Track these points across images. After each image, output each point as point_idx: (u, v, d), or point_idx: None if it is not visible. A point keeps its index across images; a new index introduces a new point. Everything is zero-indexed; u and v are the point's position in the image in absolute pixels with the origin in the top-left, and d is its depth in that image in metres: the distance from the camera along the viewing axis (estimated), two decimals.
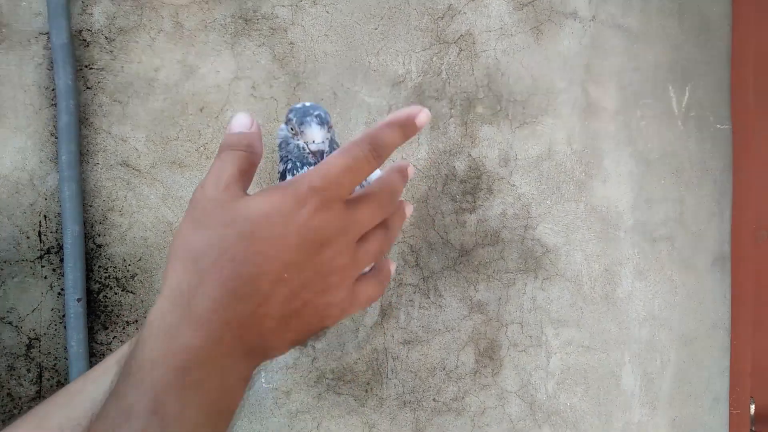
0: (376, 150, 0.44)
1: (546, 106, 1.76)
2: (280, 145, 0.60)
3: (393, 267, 0.51)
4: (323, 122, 0.56)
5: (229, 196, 0.43)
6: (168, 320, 0.39)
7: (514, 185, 1.74)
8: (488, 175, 1.71)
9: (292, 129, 0.57)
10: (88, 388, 0.51)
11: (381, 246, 0.47)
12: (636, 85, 1.88)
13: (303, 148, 0.57)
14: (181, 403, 0.37)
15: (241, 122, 0.48)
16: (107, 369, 0.51)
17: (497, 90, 1.71)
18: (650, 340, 1.91)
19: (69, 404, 0.50)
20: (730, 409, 1.98)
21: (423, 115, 0.49)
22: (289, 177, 0.57)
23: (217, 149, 1.54)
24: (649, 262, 1.91)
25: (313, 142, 0.56)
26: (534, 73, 1.74)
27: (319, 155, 0.56)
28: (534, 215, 1.76)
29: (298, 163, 0.57)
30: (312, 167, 0.50)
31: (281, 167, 0.59)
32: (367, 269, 0.50)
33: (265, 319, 0.41)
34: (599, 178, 1.84)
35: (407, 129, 0.47)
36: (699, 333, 1.99)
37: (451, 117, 1.67)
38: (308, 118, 0.57)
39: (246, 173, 0.46)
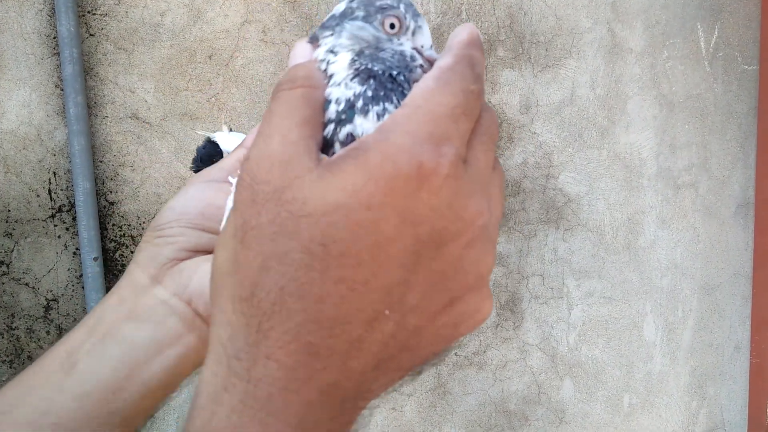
0: (481, 81, 0.29)
1: (570, 47, 1.68)
2: (360, 52, 0.34)
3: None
4: None
5: (290, 178, 0.27)
6: (226, 402, 0.26)
7: (535, 133, 1.68)
8: (509, 122, 1.65)
9: (392, 25, 0.35)
10: (30, 400, 0.38)
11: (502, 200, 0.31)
12: (663, 24, 1.79)
13: (411, 56, 0.36)
14: None
15: (298, 53, 0.32)
16: (48, 377, 0.39)
17: (519, 31, 1.62)
18: (672, 289, 1.88)
19: (9, 414, 0.38)
20: (750, 358, 1.97)
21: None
22: (387, 105, 0.33)
23: (229, 100, 1.48)
24: (673, 209, 1.87)
25: (431, 46, 0.37)
26: (558, 12, 1.65)
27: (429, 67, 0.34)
28: (556, 164, 1.71)
29: (402, 77, 0.35)
30: (393, 114, 0.28)
31: (350, 90, 0.33)
32: None
33: (360, 374, 0.28)
34: (622, 123, 1.78)
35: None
36: (721, 281, 1.96)
37: None
38: (419, 11, 0.37)
39: (311, 123, 0.29)
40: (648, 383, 1.87)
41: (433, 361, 0.31)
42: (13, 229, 1.21)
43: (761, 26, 1.92)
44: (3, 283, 1.21)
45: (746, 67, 1.95)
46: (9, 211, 1.21)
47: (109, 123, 1.28)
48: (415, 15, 0.36)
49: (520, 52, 1.63)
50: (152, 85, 1.31)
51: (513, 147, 1.66)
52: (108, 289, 1.27)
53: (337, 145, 0.32)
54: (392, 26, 0.36)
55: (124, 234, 1.28)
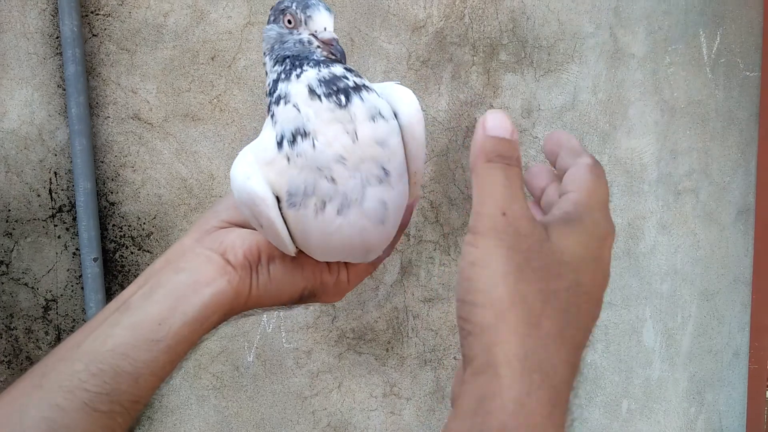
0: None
1: (572, 52, 1.68)
2: (272, 48, 0.48)
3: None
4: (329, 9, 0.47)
5: (540, 233, 0.36)
6: (532, 404, 0.33)
7: (536, 137, 1.68)
8: None
9: (289, 21, 0.47)
10: (86, 342, 0.47)
11: None
12: (666, 30, 1.79)
13: (308, 41, 0.47)
14: None
15: (501, 124, 0.39)
16: (105, 318, 0.48)
17: (522, 35, 1.62)
18: (672, 295, 1.88)
19: (68, 359, 0.46)
20: (749, 365, 1.97)
21: None
22: (286, 86, 0.46)
23: (231, 102, 1.48)
24: (673, 215, 1.87)
25: (325, 29, 0.47)
26: (561, 16, 1.65)
27: (335, 47, 0.46)
28: (557, 169, 1.70)
29: (302, 62, 0.46)
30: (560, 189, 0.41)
31: (274, 73, 0.47)
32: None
33: (581, 357, 0.38)
34: (624, 128, 1.78)
35: None
36: (720, 288, 1.96)
37: (473, 65, 1.59)
38: (313, 2, 0.47)
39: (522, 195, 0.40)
40: (647, 389, 1.86)
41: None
42: (13, 229, 1.21)
43: (763, 33, 1.92)
44: (2, 283, 1.21)
45: (748, 73, 1.95)
46: (9, 210, 1.21)
47: (110, 123, 1.28)
48: (305, 8, 0.47)
49: (523, 56, 1.63)
50: (154, 86, 1.30)
51: None
52: (108, 289, 1.27)
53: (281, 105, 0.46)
54: (289, 22, 0.47)
55: (125, 235, 1.28)
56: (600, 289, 0.38)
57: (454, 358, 1.64)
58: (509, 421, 0.32)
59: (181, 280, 0.49)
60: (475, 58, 1.59)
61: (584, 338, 0.37)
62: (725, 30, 1.88)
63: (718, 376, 1.96)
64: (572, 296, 0.36)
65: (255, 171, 0.47)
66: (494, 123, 0.38)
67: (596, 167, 0.41)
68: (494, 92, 1.62)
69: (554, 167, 0.45)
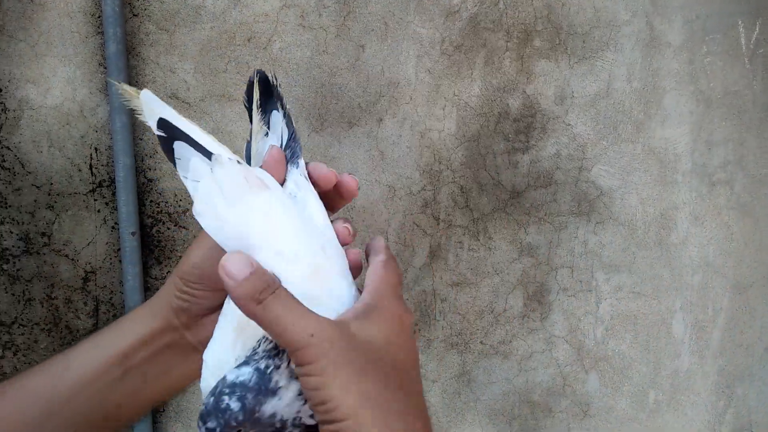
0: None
1: (607, 39, 1.66)
2: None
3: None
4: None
5: (347, 334, 0.41)
6: None
7: (569, 124, 1.67)
8: (543, 113, 1.64)
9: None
10: (132, 325, 0.50)
11: None
12: (704, 19, 1.77)
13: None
14: None
15: (240, 265, 0.41)
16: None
17: (557, 21, 1.61)
18: (703, 287, 1.86)
19: (121, 333, 0.50)
20: None
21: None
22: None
23: None
24: (706, 206, 1.84)
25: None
26: (597, 3, 1.64)
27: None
28: (589, 156, 1.70)
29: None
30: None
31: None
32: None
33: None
34: (658, 118, 1.76)
35: None
36: (754, 281, 1.93)
37: (506, 51, 1.59)
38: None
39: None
40: (675, 381, 1.85)
41: None
42: (55, 202, 1.24)
43: None
44: (44, 254, 1.25)
45: None
46: (51, 184, 1.24)
47: None
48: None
49: (557, 43, 1.62)
50: (192, 66, 1.33)
51: (546, 138, 1.65)
52: (144, 263, 1.30)
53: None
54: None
55: (162, 210, 1.31)
56: (413, 364, 0.43)
57: (481, 342, 1.65)
58: None
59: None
60: (508, 44, 1.59)
61: (423, 408, 0.42)
62: (764, 20, 1.84)
63: (749, 370, 1.94)
64: (397, 373, 0.41)
65: None
66: (234, 267, 0.40)
67: (389, 262, 0.46)
68: (527, 78, 1.62)
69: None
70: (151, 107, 0.44)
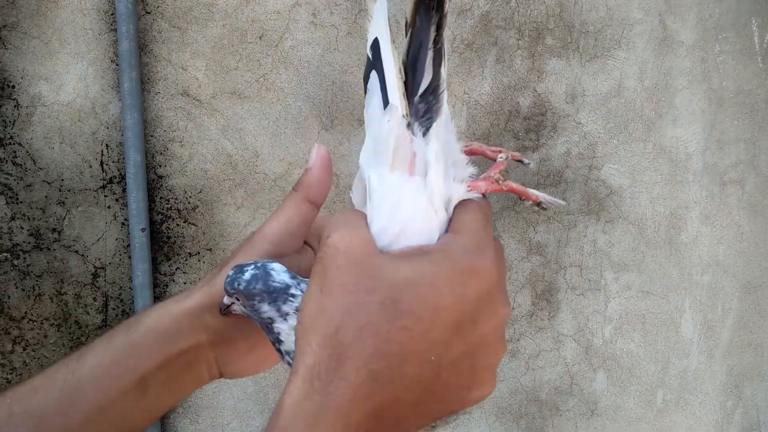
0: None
1: (619, 38, 1.65)
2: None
3: None
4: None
5: (367, 253, 0.36)
6: (306, 408, 0.35)
7: (580, 123, 1.66)
8: (553, 112, 1.64)
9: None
10: (153, 343, 0.47)
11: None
12: (717, 17, 1.75)
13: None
14: None
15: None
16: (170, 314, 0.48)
17: (569, 20, 1.61)
18: (713, 286, 1.86)
19: (137, 353, 0.46)
20: None
21: None
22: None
23: (276, 81, 1.50)
24: (717, 206, 1.83)
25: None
26: (609, 2, 1.63)
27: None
28: (599, 155, 1.69)
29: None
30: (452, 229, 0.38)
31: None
32: None
33: (405, 406, 0.37)
34: (669, 117, 1.75)
35: None
36: (764, 281, 1.92)
37: (518, 49, 1.58)
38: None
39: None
40: (683, 380, 1.85)
41: (447, 419, 0.39)
42: (66, 198, 1.25)
43: None
44: (54, 250, 1.26)
45: None
46: (62, 180, 1.25)
47: (160, 99, 1.31)
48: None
49: (569, 41, 1.62)
50: (203, 64, 1.33)
51: (557, 136, 1.64)
52: (154, 259, 1.31)
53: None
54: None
55: (171, 207, 1.31)
56: (434, 316, 0.35)
57: None
58: (283, 423, 0.35)
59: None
60: (520, 42, 1.58)
61: (389, 366, 0.35)
62: None
63: (758, 370, 1.93)
64: (387, 314, 0.35)
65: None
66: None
67: (478, 203, 0.40)
68: (538, 77, 1.61)
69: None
70: (378, 20, 0.40)
